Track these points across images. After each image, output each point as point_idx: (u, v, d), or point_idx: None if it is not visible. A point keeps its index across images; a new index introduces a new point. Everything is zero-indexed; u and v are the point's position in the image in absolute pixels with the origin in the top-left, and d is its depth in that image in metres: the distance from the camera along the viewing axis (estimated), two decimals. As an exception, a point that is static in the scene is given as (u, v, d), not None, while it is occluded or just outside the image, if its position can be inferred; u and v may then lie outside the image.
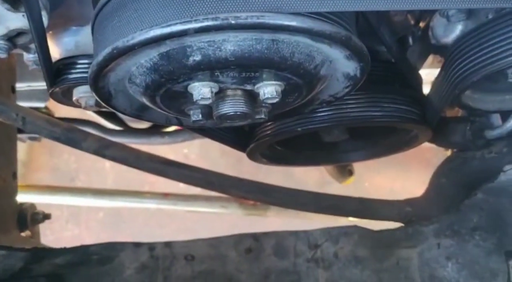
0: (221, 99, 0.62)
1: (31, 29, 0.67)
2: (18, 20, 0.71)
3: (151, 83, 0.60)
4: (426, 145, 1.07)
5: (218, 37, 0.53)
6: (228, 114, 0.63)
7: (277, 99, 0.61)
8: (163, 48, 0.54)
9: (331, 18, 0.55)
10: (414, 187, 1.27)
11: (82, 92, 0.84)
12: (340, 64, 0.62)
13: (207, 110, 0.66)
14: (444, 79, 0.80)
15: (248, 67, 0.57)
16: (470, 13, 0.74)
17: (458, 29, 0.77)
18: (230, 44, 0.54)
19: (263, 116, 0.68)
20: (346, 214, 1.11)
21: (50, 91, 0.84)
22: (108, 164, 2.58)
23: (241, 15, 0.50)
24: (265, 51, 0.55)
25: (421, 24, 0.84)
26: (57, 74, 0.82)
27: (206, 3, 0.50)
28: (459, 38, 0.75)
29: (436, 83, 0.86)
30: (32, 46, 0.81)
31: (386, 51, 0.84)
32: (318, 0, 0.51)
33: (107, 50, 0.54)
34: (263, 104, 0.66)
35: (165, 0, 0.51)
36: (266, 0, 0.51)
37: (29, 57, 0.84)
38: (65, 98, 0.87)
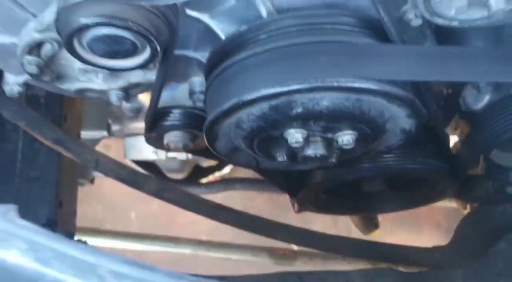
0: (307, 144, 0.79)
1: (155, 85, 0.84)
2: (138, 75, 0.89)
3: (256, 129, 0.77)
4: (438, 208, 1.22)
5: (318, 95, 0.70)
6: (311, 156, 0.79)
7: (351, 146, 0.78)
8: (274, 102, 0.72)
9: (400, 84, 0.73)
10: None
11: (172, 137, 1.01)
12: (401, 121, 0.79)
13: (291, 153, 0.82)
14: (474, 139, 0.97)
15: (334, 119, 0.75)
16: (496, 86, 0.92)
17: (486, 98, 0.95)
18: (326, 100, 0.71)
19: (334, 160, 0.84)
20: (382, 259, 1.24)
21: (146, 135, 1.01)
22: (133, 213, 2.71)
23: (341, 80, 0.68)
24: (351, 107, 0.72)
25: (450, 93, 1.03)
26: (153, 121, 0.99)
27: (314, 70, 0.68)
28: (488, 106, 0.93)
29: (465, 144, 1.03)
30: (134, 96, 0.99)
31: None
32: (393, 72, 0.69)
33: (234, 100, 0.71)
34: (336, 150, 0.82)
35: (283, 66, 0.69)
36: (357, 69, 0.69)
37: (128, 106, 1.02)
38: (157, 142, 1.03)
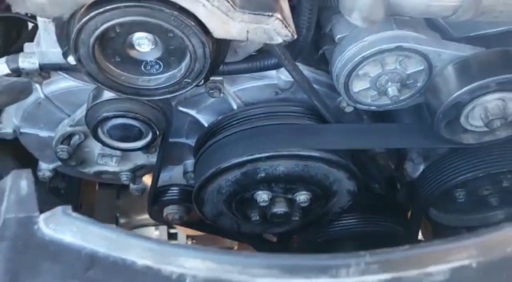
0: (273, 203, 1.02)
1: (156, 166, 1.10)
2: (142, 158, 1.14)
3: (233, 192, 1.00)
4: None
5: (275, 162, 0.95)
6: (276, 213, 1.02)
7: (307, 204, 1.01)
8: (243, 169, 0.96)
9: (337, 153, 0.98)
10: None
11: (171, 210, 1.24)
12: (344, 183, 1.03)
13: (261, 213, 1.05)
14: (413, 203, 1.20)
15: (290, 181, 0.99)
16: (425, 157, 1.17)
17: (420, 168, 1.19)
18: (282, 166, 0.96)
19: (297, 218, 1.07)
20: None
21: (149, 209, 1.25)
22: None
23: (290, 150, 0.93)
24: (301, 171, 0.97)
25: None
26: (154, 197, 1.23)
27: (271, 143, 0.94)
28: (420, 174, 1.17)
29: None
30: (139, 178, 1.24)
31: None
32: (327, 143, 0.95)
33: (213, 169, 0.96)
34: (297, 209, 1.05)
35: (248, 142, 0.95)
36: (301, 142, 0.95)
37: (135, 187, 1.27)
38: (158, 215, 1.26)
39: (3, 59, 0.90)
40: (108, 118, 0.90)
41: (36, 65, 0.90)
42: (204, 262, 0.54)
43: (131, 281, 0.54)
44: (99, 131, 0.93)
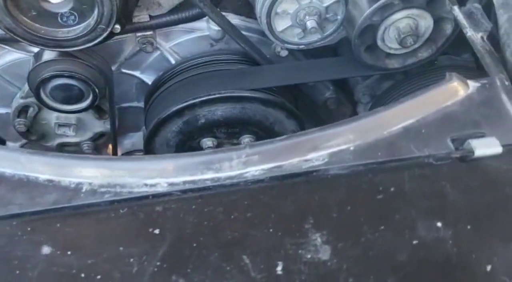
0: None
1: (111, 131, 1.15)
2: (99, 126, 1.20)
3: (179, 143, 1.05)
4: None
5: (212, 107, 1.00)
6: (224, 159, 1.07)
7: (252, 147, 1.06)
8: (184, 117, 1.01)
9: (272, 92, 1.02)
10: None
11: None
12: (286, 123, 1.07)
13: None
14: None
15: (231, 125, 1.03)
16: (372, 96, 1.20)
17: (369, 107, 1.22)
18: (219, 111, 1.01)
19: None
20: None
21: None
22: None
23: (222, 92, 0.98)
24: (239, 114, 1.01)
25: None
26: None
27: (206, 89, 0.99)
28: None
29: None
30: (104, 148, 1.30)
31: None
32: (258, 82, 0.99)
33: (155, 120, 1.01)
34: (246, 155, 1.09)
35: (185, 91, 1.00)
36: (234, 84, 0.99)
37: (102, 159, 1.32)
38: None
39: None
40: (47, 79, 0.96)
41: (-24, 39, 0.96)
42: (98, 170, 0.59)
43: (35, 195, 0.59)
44: (42, 94, 0.99)
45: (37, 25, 0.80)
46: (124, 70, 1.10)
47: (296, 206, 0.56)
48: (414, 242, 0.52)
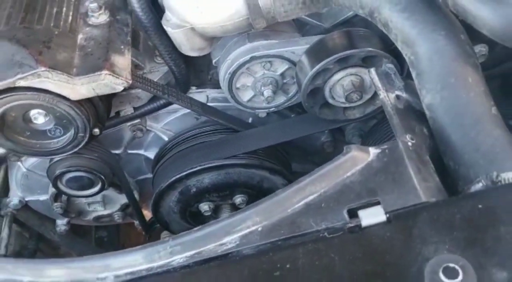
0: (220, 210, 1.18)
1: (131, 204, 1.31)
2: (123, 198, 1.37)
3: (181, 210, 1.18)
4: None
5: (200, 177, 1.12)
6: (223, 218, 1.18)
7: (246, 205, 1.16)
8: (178, 189, 1.14)
9: (250, 154, 1.12)
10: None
11: (165, 234, 1.44)
12: (273, 179, 1.16)
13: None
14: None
15: (220, 189, 1.14)
16: (360, 135, 1.25)
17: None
18: (206, 179, 1.12)
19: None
20: None
21: (147, 239, 1.47)
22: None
23: (205, 163, 1.10)
24: (225, 179, 1.12)
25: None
26: (146, 229, 1.44)
27: (190, 162, 1.11)
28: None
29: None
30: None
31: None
32: (233, 149, 1.10)
33: (154, 194, 1.15)
34: (243, 211, 1.20)
35: (174, 165, 1.13)
36: (214, 154, 1.11)
37: (136, 223, 1.49)
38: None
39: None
40: (60, 175, 1.14)
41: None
42: (62, 270, 0.74)
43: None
44: (60, 185, 1.18)
45: (33, 141, 0.98)
46: (130, 151, 1.26)
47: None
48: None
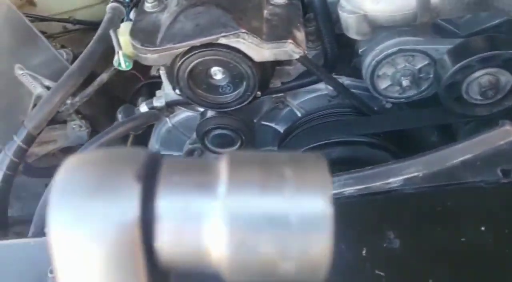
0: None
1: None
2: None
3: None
4: None
5: (330, 150, 1.28)
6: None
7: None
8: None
9: (375, 137, 1.28)
10: None
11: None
12: (391, 162, 1.30)
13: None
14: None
15: (343, 164, 1.30)
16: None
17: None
18: (335, 153, 1.28)
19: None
20: None
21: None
22: None
23: (337, 137, 1.26)
24: (350, 155, 1.28)
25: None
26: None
27: (324, 135, 1.28)
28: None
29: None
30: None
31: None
32: (368, 128, 1.26)
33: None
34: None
35: (307, 137, 1.30)
36: (349, 130, 1.27)
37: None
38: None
39: (144, 102, 1.41)
40: (209, 131, 1.33)
41: (164, 103, 1.38)
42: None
43: None
44: (206, 141, 1.37)
45: (206, 94, 1.17)
46: (263, 122, 1.44)
47: (377, 214, 0.81)
48: (462, 239, 0.74)
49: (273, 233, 0.37)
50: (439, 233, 0.76)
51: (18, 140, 1.15)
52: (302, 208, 0.37)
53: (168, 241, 0.38)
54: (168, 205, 0.38)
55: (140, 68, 1.69)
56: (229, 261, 0.37)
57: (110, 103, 1.76)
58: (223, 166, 0.39)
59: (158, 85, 1.60)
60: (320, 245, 0.37)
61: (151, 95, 1.46)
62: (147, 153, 0.41)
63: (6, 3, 1.35)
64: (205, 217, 0.38)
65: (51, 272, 0.83)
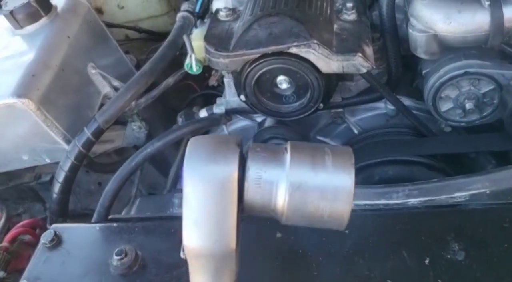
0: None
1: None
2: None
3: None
4: None
5: (387, 168, 1.29)
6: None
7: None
8: (363, 174, 1.31)
9: (433, 158, 1.27)
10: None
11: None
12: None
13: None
14: None
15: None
16: None
17: None
18: (391, 171, 1.29)
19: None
20: None
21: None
22: None
23: (394, 156, 1.27)
24: (406, 175, 1.28)
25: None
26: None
27: (381, 153, 1.29)
28: None
29: None
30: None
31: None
32: (427, 149, 1.26)
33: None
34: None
35: (364, 153, 1.32)
36: (406, 150, 1.27)
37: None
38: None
39: (204, 108, 1.45)
40: (267, 140, 1.36)
41: (223, 110, 1.42)
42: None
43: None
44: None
45: (269, 102, 1.21)
46: (318, 137, 1.46)
47: (441, 226, 0.81)
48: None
49: (318, 194, 0.60)
50: (506, 249, 0.75)
51: (88, 132, 1.20)
52: (336, 179, 0.61)
53: (251, 194, 0.62)
54: (253, 171, 0.63)
55: (195, 79, 1.75)
56: (287, 211, 0.61)
57: (165, 110, 1.83)
58: (288, 149, 0.65)
59: (212, 96, 1.65)
60: (344, 201, 0.60)
61: (204, 106, 1.51)
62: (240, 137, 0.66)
63: (87, 5, 1.44)
64: (275, 182, 0.62)
65: (118, 254, 0.87)
